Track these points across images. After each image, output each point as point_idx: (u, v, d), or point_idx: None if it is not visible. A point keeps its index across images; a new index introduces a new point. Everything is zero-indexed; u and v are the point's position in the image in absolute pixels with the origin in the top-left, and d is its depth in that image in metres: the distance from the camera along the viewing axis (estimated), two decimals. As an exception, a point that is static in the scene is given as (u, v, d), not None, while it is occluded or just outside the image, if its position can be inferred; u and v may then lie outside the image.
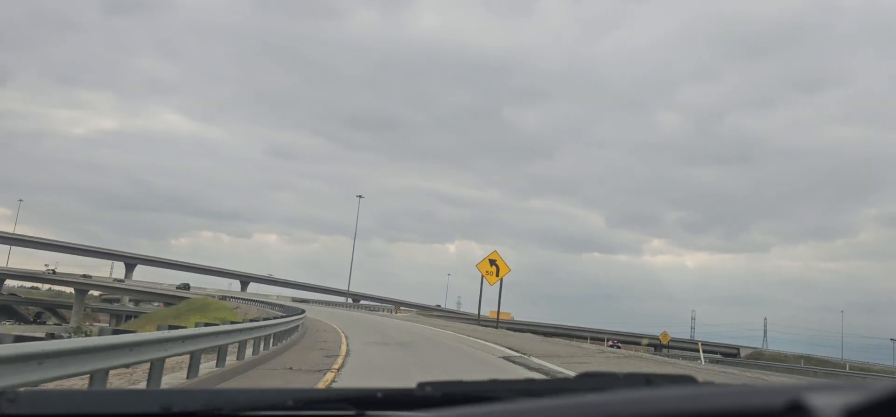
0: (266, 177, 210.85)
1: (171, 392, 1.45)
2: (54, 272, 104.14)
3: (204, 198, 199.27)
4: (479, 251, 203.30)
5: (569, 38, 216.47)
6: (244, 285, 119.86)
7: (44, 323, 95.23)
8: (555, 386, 1.46)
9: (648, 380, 1.55)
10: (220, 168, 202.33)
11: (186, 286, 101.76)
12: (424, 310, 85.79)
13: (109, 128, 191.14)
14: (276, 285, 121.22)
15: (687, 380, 1.64)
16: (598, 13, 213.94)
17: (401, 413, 1.37)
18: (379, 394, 1.44)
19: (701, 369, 21.39)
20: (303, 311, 26.25)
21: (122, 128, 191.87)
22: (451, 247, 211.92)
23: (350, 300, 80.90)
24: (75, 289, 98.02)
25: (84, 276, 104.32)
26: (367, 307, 76.50)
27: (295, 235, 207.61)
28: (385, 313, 63.61)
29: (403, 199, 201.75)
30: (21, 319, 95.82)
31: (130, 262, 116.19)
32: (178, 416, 1.36)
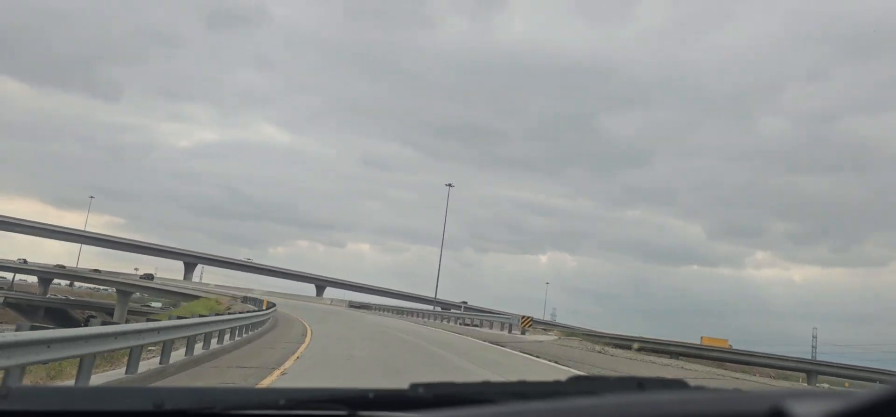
0: (357, 186, 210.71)
1: (163, 390, 1.46)
2: (25, 261, 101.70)
3: (298, 207, 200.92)
4: (572, 263, 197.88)
5: (665, 42, 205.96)
6: (320, 290, 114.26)
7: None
8: (546, 389, 1.48)
9: (640, 384, 1.57)
10: (313, 178, 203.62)
11: (150, 277, 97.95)
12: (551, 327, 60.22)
13: (210, 140, 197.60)
14: (357, 291, 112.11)
15: (679, 385, 1.67)
16: (697, 14, 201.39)
17: (392, 413, 1.39)
18: (371, 395, 1.45)
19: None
20: (274, 306, 29.74)
21: (222, 139, 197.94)
22: (543, 258, 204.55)
23: (438, 309, 58.69)
24: (117, 290, 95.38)
25: (94, 270, 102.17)
26: (458, 318, 47.01)
27: (387, 244, 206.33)
28: (495, 327, 37.77)
29: (493, 209, 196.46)
30: (75, 323, 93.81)
31: (190, 261, 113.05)
32: (171, 414, 1.37)
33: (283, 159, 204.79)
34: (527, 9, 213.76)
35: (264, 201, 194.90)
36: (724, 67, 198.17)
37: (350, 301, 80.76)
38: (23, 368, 6.31)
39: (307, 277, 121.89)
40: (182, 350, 12.25)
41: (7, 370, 6.04)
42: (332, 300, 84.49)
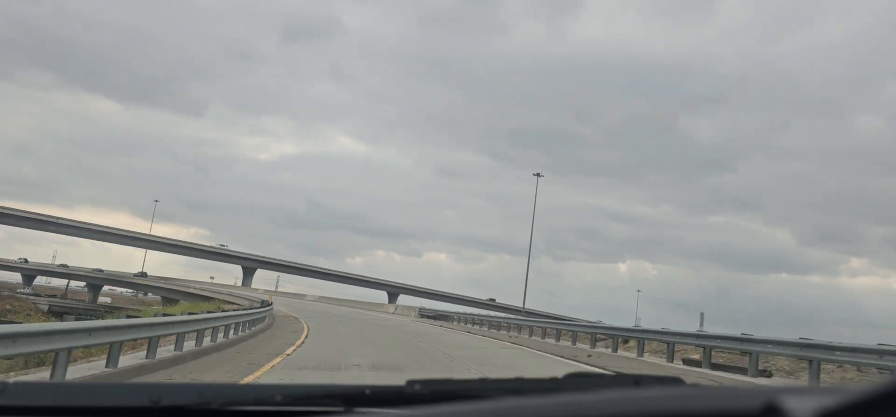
0: (433, 196, 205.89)
1: (160, 386, 1.46)
2: (26, 260, 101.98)
3: (375, 218, 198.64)
4: (652, 271, 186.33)
5: (749, 38, 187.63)
6: (392, 297, 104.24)
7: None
8: (543, 385, 1.48)
9: (637, 381, 1.57)
10: (389, 188, 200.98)
11: (144, 275, 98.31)
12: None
13: (289, 152, 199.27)
14: (432, 298, 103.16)
15: (675, 381, 1.66)
16: (783, 8, 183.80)
17: (389, 409, 1.38)
18: (367, 391, 1.45)
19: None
20: (270, 306, 28.72)
21: (300, 152, 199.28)
22: (622, 266, 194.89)
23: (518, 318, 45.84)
24: (162, 297, 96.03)
25: (96, 270, 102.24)
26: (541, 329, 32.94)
27: (462, 253, 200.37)
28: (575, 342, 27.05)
29: (570, 216, 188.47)
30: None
31: (249, 266, 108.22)
32: (167, 410, 1.37)
33: (359, 169, 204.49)
34: (603, 9, 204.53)
35: (342, 211, 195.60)
36: (815, 63, 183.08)
37: (421, 309, 59.82)
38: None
39: (379, 283, 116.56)
40: (170, 346, 12.43)
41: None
42: (396, 307, 66.57)
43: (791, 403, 0.70)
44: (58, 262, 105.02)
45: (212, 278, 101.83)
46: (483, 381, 1.51)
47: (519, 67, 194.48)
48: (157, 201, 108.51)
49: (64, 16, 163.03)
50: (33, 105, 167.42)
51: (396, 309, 63.82)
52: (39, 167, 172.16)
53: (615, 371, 11.46)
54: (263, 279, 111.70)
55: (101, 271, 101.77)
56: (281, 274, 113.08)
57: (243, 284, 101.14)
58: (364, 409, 1.41)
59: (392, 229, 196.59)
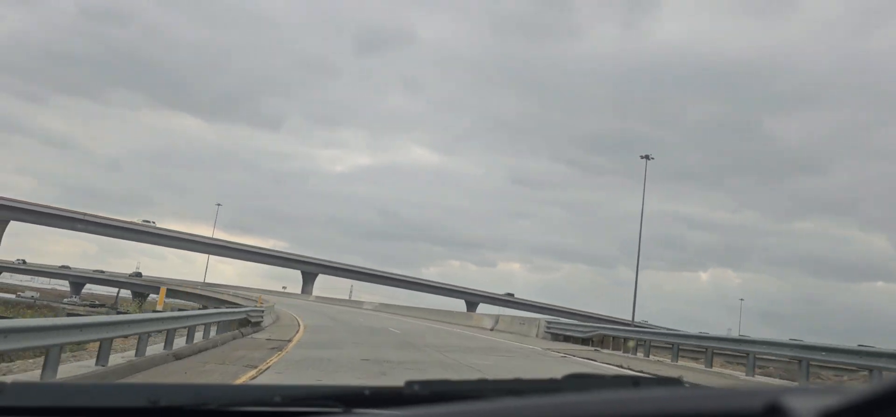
0: (507, 205, 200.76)
1: (158, 387, 1.45)
2: (24, 261, 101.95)
3: (449, 227, 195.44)
4: (736, 280, 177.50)
5: (839, 33, 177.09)
6: (472, 306, 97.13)
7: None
8: (541, 386, 1.47)
9: (636, 382, 1.56)
10: (463, 197, 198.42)
11: (138, 275, 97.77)
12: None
13: (364, 164, 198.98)
14: (515, 307, 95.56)
15: (674, 382, 1.65)
16: (874, 1, 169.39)
17: (388, 410, 1.38)
18: (367, 392, 1.44)
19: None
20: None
21: (374, 163, 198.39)
22: (703, 275, 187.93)
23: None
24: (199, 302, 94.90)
25: (96, 271, 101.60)
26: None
27: (537, 263, 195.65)
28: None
29: (647, 223, 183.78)
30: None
31: (310, 270, 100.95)
32: (165, 410, 1.36)
33: (433, 179, 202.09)
34: (681, 9, 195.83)
35: (416, 221, 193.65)
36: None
37: (550, 324, 31.99)
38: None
39: (456, 290, 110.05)
40: (159, 345, 12.60)
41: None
42: (496, 319, 37.42)
43: (793, 403, 0.69)
44: (122, 271, 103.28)
45: (284, 288, 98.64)
46: (481, 382, 1.50)
47: (594, 71, 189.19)
48: (219, 204, 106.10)
49: (151, 37, 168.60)
50: (123, 123, 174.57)
51: (497, 323, 34.48)
52: (128, 183, 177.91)
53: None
54: (335, 287, 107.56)
55: (102, 271, 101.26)
56: (355, 282, 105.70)
57: (303, 291, 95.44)
58: (363, 410, 1.40)
59: (466, 239, 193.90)
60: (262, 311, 24.01)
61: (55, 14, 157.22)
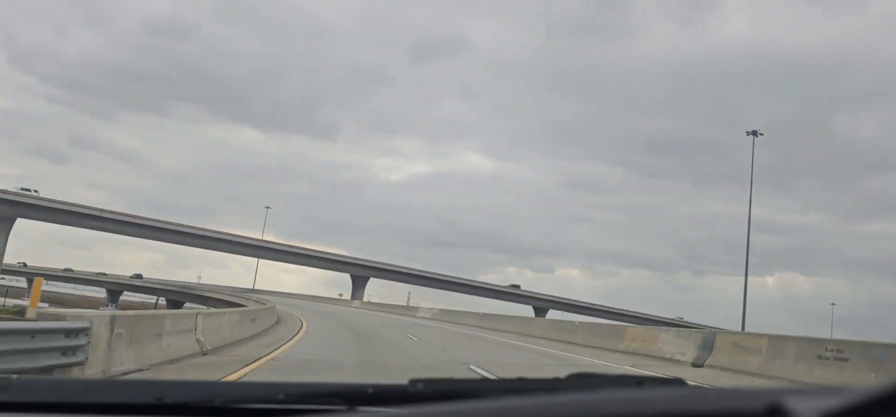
0: (565, 210, 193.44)
1: (163, 383, 1.46)
2: (25, 264, 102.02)
3: (506, 234, 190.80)
4: (804, 284, 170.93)
5: None
6: (540, 312, 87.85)
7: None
8: (544, 385, 1.47)
9: (639, 382, 1.57)
10: (520, 204, 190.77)
11: (139, 276, 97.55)
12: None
13: (420, 172, 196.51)
14: (589, 313, 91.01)
15: (677, 383, 1.66)
16: None
17: (391, 408, 1.38)
18: (370, 390, 1.45)
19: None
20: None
21: (430, 171, 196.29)
22: (769, 279, 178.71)
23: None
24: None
25: (98, 274, 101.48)
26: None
27: (596, 269, 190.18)
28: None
29: (710, 227, 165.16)
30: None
31: (359, 273, 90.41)
32: (170, 407, 1.37)
33: (489, 185, 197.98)
34: (744, 4, 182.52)
35: (473, 228, 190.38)
36: None
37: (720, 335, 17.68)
38: None
39: (524, 296, 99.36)
40: None
41: None
42: (569, 321, 31.16)
43: (795, 404, 0.70)
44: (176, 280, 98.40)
45: (340, 295, 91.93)
46: (485, 381, 1.51)
47: (653, 71, 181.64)
48: (268, 207, 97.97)
49: (212, 51, 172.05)
50: (187, 137, 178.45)
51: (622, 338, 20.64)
52: (192, 195, 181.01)
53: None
54: (391, 292, 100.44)
55: (105, 273, 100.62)
56: (413, 287, 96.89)
57: (353, 296, 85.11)
58: (367, 408, 1.41)
59: (523, 246, 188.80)
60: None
61: (120, 32, 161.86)
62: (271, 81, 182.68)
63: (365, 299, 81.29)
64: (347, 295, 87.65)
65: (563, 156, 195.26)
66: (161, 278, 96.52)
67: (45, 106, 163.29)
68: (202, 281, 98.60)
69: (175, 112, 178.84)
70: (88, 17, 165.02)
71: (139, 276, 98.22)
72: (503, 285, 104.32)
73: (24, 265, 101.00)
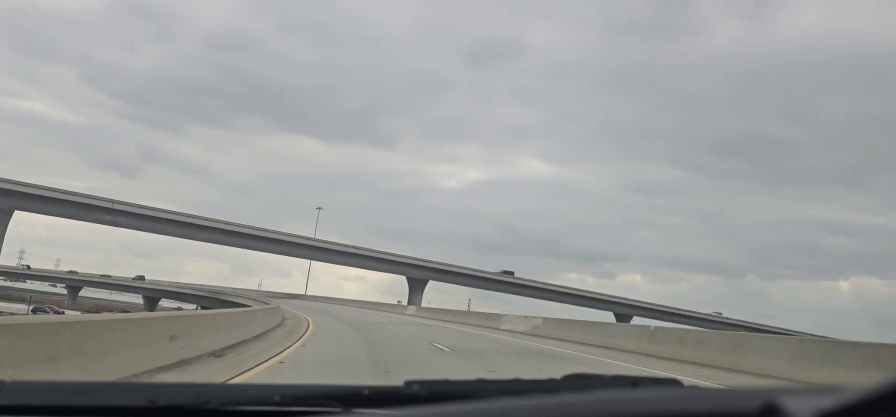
0: (626, 215, 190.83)
1: (158, 386, 1.45)
2: (29, 267, 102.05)
3: (566, 239, 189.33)
4: (883, 289, 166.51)
5: None
6: (623, 318, 79.40)
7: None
8: (540, 386, 1.47)
9: (634, 382, 1.56)
10: (579, 209, 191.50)
11: (141, 278, 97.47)
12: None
13: (478, 178, 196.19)
14: (680, 319, 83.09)
15: (672, 383, 1.66)
16: None
17: (387, 410, 1.38)
18: (365, 391, 1.44)
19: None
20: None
21: (488, 177, 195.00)
22: (844, 284, 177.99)
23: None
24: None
25: (103, 276, 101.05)
26: None
27: (659, 274, 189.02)
28: None
29: (780, 230, 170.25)
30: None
31: (415, 275, 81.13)
32: (165, 409, 1.36)
33: (548, 191, 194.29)
34: None
35: (532, 234, 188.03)
36: None
37: None
38: None
39: (603, 300, 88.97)
40: None
41: None
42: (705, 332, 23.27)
43: (790, 403, 0.70)
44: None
45: (398, 301, 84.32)
46: (480, 382, 1.50)
47: (718, 70, 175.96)
48: (320, 208, 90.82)
49: (272, 64, 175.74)
50: (249, 149, 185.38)
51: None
52: (255, 205, 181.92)
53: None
54: (456, 299, 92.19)
55: (109, 276, 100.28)
56: (475, 291, 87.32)
57: (410, 301, 76.17)
58: (362, 409, 1.40)
59: (584, 251, 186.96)
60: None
61: (185, 47, 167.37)
62: (331, 92, 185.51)
63: (423, 304, 71.36)
64: (406, 301, 77.72)
65: (624, 159, 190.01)
66: (169, 280, 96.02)
67: (115, 121, 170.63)
68: (262, 289, 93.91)
69: (238, 124, 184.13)
70: (155, 33, 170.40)
71: (141, 278, 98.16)
72: (581, 288, 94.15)
73: (28, 267, 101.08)
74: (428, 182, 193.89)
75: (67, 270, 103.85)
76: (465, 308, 70.02)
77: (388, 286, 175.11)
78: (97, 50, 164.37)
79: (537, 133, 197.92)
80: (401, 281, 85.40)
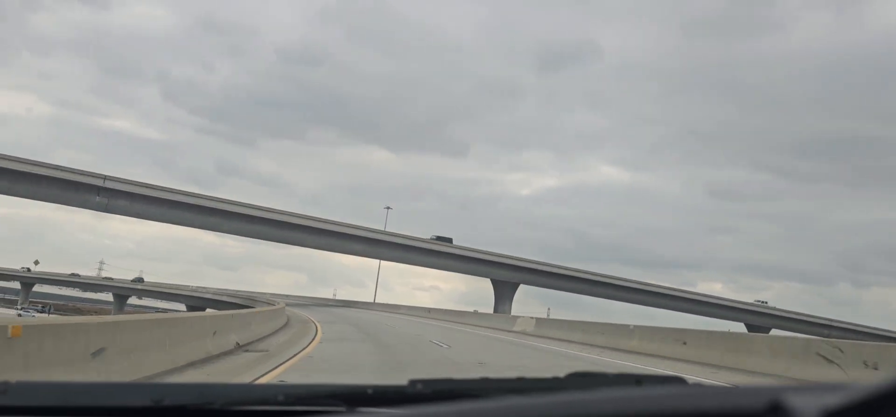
0: (705, 220, 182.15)
1: (162, 386, 1.46)
2: (29, 269, 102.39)
3: (642, 247, 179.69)
4: None
5: None
6: (757, 329, 63.96)
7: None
8: (544, 384, 1.47)
9: (638, 380, 1.56)
10: (655, 215, 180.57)
11: (140, 280, 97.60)
12: None
13: (550, 185, 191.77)
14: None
15: (677, 381, 1.65)
16: None
17: (392, 409, 1.38)
18: (369, 390, 1.44)
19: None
20: None
21: (561, 184, 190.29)
22: None
23: None
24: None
25: (105, 279, 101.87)
26: None
27: (742, 282, 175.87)
28: None
29: (873, 234, 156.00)
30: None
31: (507, 279, 66.30)
32: (169, 409, 1.36)
33: (623, 197, 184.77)
34: None
35: (607, 242, 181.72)
36: None
37: None
38: None
39: (730, 306, 74.41)
40: None
41: None
42: None
43: (795, 401, 0.69)
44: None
45: (475, 311, 77.50)
46: (485, 380, 1.50)
47: (803, 66, 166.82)
48: (389, 208, 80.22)
49: (343, 75, 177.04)
50: (320, 160, 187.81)
51: None
52: (328, 215, 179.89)
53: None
54: (526, 305, 78.28)
55: (111, 278, 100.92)
56: (556, 295, 71.47)
57: (497, 310, 63.09)
58: (366, 409, 1.40)
59: (661, 259, 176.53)
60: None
61: (258, 62, 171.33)
62: (400, 101, 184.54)
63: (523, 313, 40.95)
64: (488, 310, 62.31)
65: (702, 162, 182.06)
66: (174, 283, 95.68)
67: (193, 136, 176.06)
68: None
69: (310, 136, 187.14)
70: (230, 49, 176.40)
71: (140, 280, 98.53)
72: (713, 294, 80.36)
73: (28, 270, 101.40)
74: (500, 191, 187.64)
75: (69, 273, 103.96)
76: (578, 319, 52.28)
77: (461, 297, 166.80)
78: (176, 67, 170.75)
79: (610, 138, 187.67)
80: (477, 291, 76.89)
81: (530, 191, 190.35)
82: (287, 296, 74.85)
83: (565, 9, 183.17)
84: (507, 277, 66.10)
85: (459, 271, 68.79)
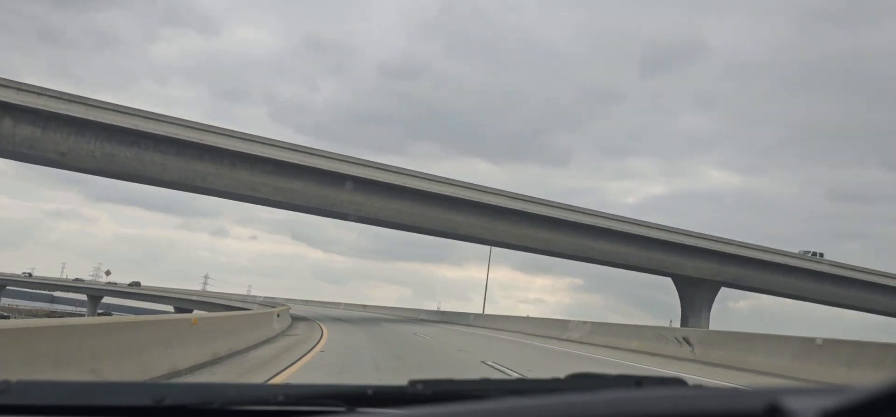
0: (827, 225, 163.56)
1: (163, 386, 1.46)
2: (30, 275, 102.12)
3: None
4: None
5: None
6: None
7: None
8: (544, 386, 1.47)
9: (639, 382, 1.57)
10: (771, 220, 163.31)
11: (137, 284, 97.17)
12: None
13: (657, 192, 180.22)
14: None
15: (677, 383, 1.66)
16: None
17: (392, 409, 1.38)
18: (370, 391, 1.45)
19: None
20: None
21: (668, 191, 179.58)
22: None
23: None
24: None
25: (108, 283, 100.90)
26: None
27: None
28: None
29: None
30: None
31: (707, 276, 39.77)
32: (170, 409, 1.37)
33: (735, 203, 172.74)
34: None
35: None
36: None
37: None
38: None
39: None
40: None
41: None
42: None
43: (793, 403, 0.70)
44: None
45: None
46: (485, 381, 1.51)
47: None
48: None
49: (443, 88, 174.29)
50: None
51: None
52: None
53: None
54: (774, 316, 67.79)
55: (114, 282, 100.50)
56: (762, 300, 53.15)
57: (684, 321, 44.92)
58: (366, 409, 1.41)
59: None
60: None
61: (361, 80, 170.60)
62: (500, 112, 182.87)
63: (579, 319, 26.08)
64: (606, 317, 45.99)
65: (824, 163, 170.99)
66: (175, 287, 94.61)
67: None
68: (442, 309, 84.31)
69: (412, 150, 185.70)
70: (333, 68, 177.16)
71: (137, 284, 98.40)
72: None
73: (30, 274, 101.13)
74: (605, 199, 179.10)
75: (23, 273, 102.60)
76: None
77: (565, 309, 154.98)
78: (283, 88, 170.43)
79: (720, 141, 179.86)
80: (581, 303, 54.86)
81: (636, 199, 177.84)
82: (390, 308, 71.81)
83: (669, 7, 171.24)
84: (709, 272, 44.29)
85: (626, 263, 44.76)
